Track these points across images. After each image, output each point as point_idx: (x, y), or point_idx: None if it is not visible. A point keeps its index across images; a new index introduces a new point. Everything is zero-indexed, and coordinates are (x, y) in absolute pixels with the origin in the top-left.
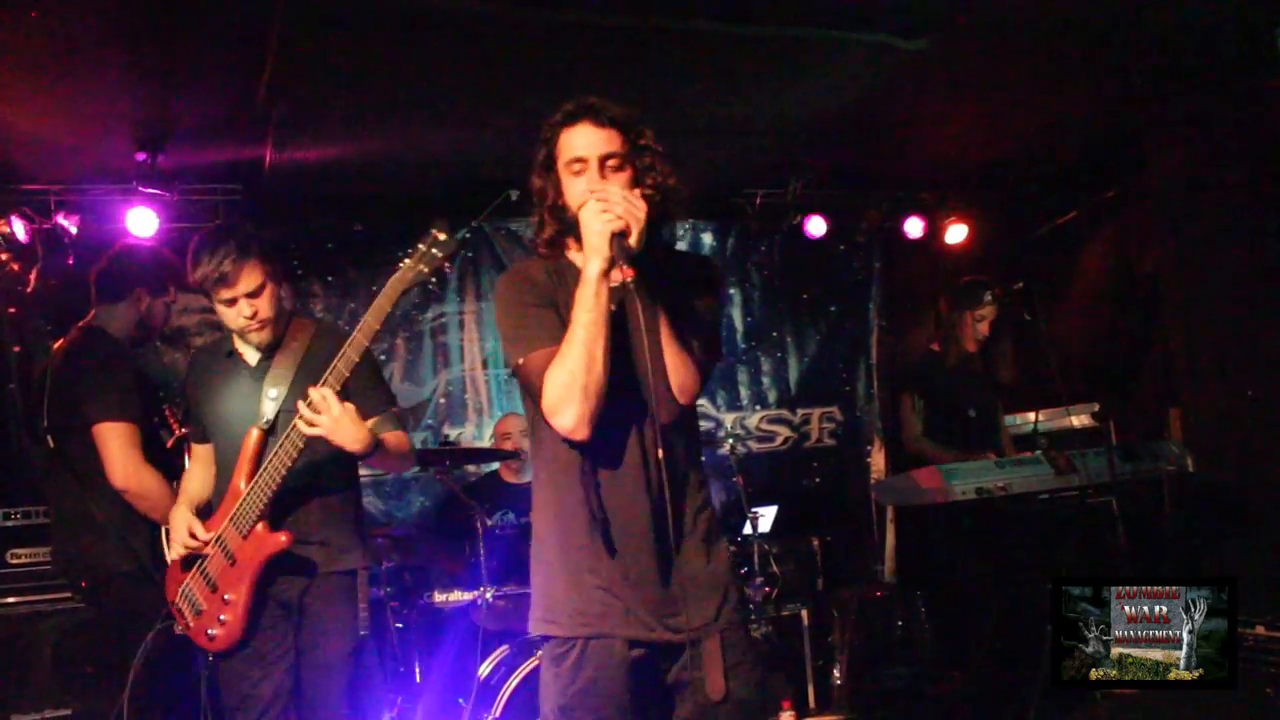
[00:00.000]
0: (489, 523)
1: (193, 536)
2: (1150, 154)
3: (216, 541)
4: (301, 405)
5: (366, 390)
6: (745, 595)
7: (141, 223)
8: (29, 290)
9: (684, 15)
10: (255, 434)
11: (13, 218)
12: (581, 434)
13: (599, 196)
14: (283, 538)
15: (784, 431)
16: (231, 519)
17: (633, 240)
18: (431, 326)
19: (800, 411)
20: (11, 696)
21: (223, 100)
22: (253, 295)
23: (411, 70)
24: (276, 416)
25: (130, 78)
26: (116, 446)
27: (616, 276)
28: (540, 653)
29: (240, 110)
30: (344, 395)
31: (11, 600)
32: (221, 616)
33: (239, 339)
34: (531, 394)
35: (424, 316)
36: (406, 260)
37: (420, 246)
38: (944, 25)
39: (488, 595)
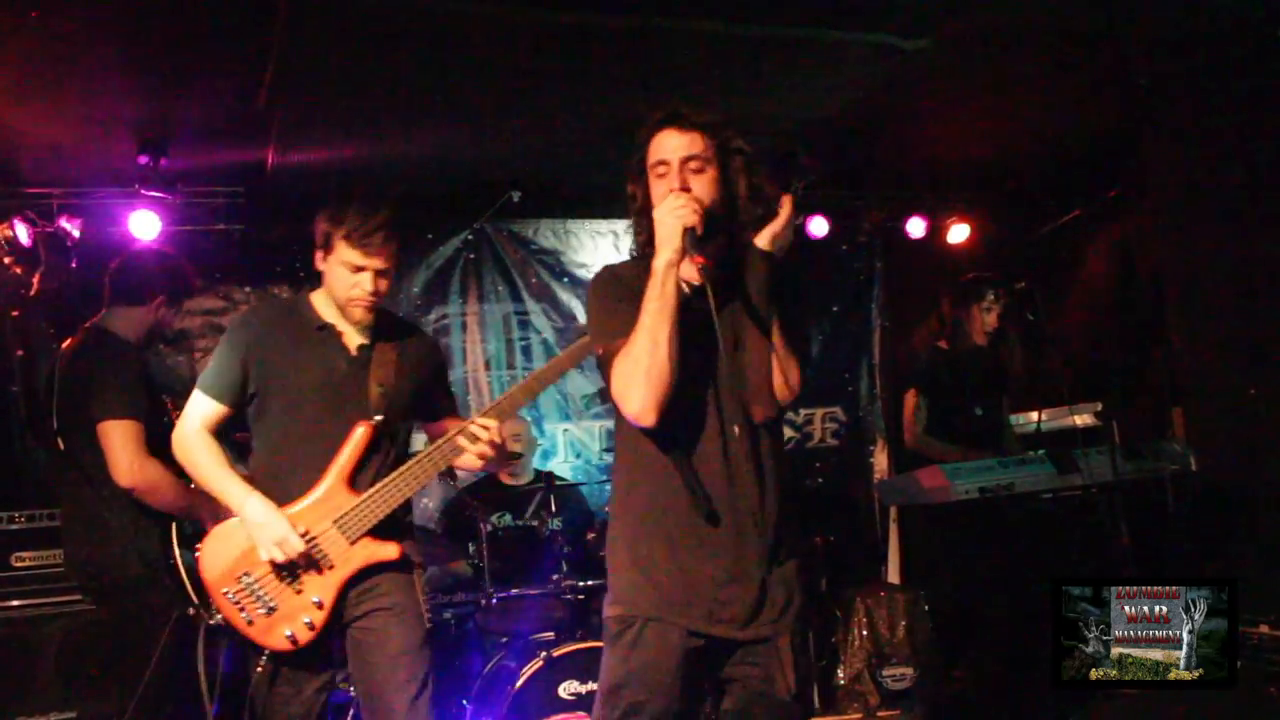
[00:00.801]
0: (489, 524)
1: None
2: (1151, 154)
3: (309, 540)
4: (462, 440)
5: (448, 397)
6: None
7: (144, 225)
8: (32, 294)
9: (685, 15)
10: (364, 430)
11: (15, 221)
12: (648, 420)
13: (676, 192)
14: (393, 549)
15: (786, 431)
16: (338, 522)
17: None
18: (434, 328)
19: (803, 411)
20: (15, 699)
21: (225, 102)
22: (381, 274)
23: (413, 71)
24: (387, 413)
25: (132, 80)
26: (120, 444)
27: (689, 272)
28: (542, 654)
29: (242, 112)
30: (435, 410)
31: (16, 603)
32: (307, 619)
33: (333, 312)
34: (607, 383)
35: (426, 319)
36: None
37: None
38: (944, 25)
39: (489, 597)
